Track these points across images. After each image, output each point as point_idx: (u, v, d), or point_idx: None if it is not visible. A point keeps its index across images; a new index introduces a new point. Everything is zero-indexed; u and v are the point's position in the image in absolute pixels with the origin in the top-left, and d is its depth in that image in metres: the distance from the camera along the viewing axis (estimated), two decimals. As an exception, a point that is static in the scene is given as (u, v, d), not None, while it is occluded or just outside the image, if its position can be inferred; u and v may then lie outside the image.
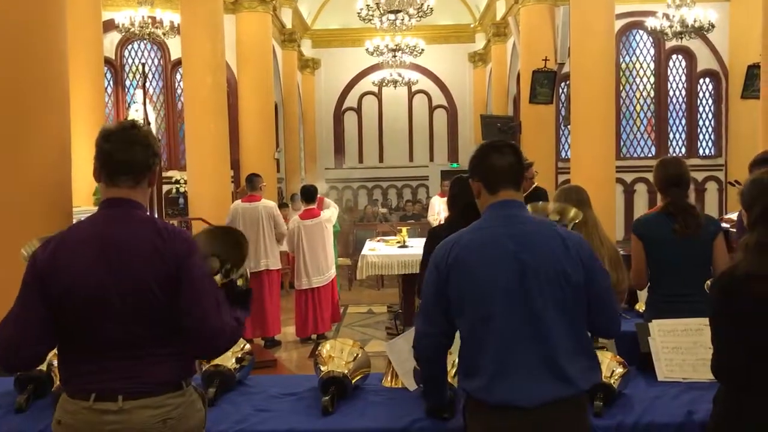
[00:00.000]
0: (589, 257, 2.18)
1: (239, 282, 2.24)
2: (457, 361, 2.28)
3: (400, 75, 16.86)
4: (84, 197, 8.78)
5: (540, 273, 2.10)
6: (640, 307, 4.00)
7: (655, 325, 2.92)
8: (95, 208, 7.85)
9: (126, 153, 2.08)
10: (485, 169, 2.27)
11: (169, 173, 12.25)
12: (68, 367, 2.07)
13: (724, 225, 4.03)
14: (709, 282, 2.66)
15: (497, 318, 2.09)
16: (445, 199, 10.69)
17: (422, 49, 15.67)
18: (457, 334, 2.21)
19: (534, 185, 5.88)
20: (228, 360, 2.76)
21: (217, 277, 2.18)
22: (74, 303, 1.99)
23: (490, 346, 2.09)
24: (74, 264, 2.00)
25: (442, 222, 5.24)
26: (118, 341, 2.00)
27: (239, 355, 2.81)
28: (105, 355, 2.01)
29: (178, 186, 12.36)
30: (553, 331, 2.08)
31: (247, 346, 2.91)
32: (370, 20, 12.65)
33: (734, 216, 5.61)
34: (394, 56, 15.52)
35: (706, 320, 2.83)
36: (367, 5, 12.16)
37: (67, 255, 2.02)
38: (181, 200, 12.04)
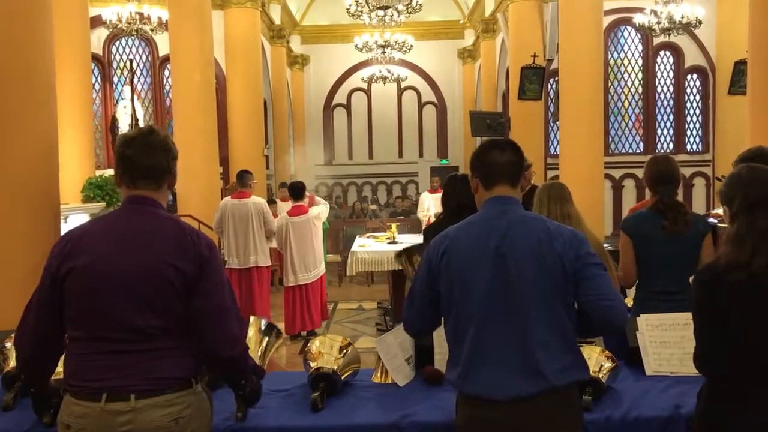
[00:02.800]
0: (583, 251, 2.15)
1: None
2: None
3: (389, 71, 16.85)
4: (72, 195, 8.73)
5: (521, 268, 2.11)
6: (628, 303, 4.02)
7: (643, 320, 2.93)
8: (84, 206, 7.79)
9: (147, 158, 2.14)
10: (484, 165, 2.29)
11: (158, 170, 12.17)
12: (77, 359, 2.05)
13: (711, 220, 4.04)
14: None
15: (476, 312, 2.11)
16: (435, 195, 10.76)
17: (411, 46, 15.66)
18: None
19: (530, 185, 5.88)
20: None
21: None
22: (92, 283, 2.02)
23: (467, 338, 2.12)
24: (96, 247, 2.05)
25: (432, 218, 5.24)
26: (131, 329, 2.01)
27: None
28: (116, 345, 2.01)
29: (166, 183, 12.30)
30: (531, 326, 2.09)
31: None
32: (359, 16, 12.64)
33: (721, 211, 5.64)
34: (383, 52, 15.51)
35: (693, 315, 2.86)
36: (356, 1, 12.14)
37: (91, 240, 2.08)
38: (170, 197, 11.97)
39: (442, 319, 2.26)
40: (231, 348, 2.08)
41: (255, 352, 2.61)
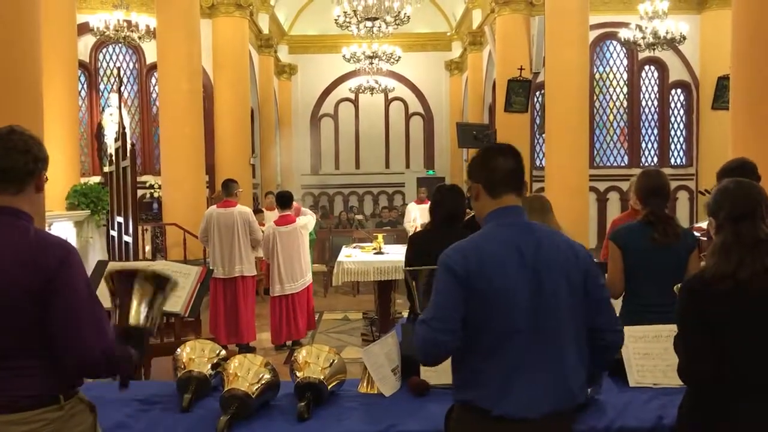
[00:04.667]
0: (594, 267, 2.19)
1: (131, 321, 2.15)
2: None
3: (376, 82, 16.92)
4: (57, 202, 8.69)
5: (554, 284, 2.08)
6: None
7: (627, 332, 2.94)
8: (68, 213, 7.77)
9: (4, 160, 2.02)
10: (488, 171, 2.21)
11: (144, 178, 12.14)
12: None
13: (694, 233, 4.09)
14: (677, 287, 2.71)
15: (512, 328, 2.05)
16: (421, 206, 10.77)
17: (399, 57, 15.74)
18: None
19: None
20: (203, 366, 2.75)
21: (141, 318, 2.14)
22: None
23: (500, 356, 2.06)
24: None
25: (419, 228, 5.26)
26: None
27: (215, 361, 2.80)
28: None
29: (152, 191, 12.26)
30: (563, 344, 2.08)
31: (223, 352, 2.90)
32: (347, 27, 12.68)
33: (705, 225, 5.70)
34: (371, 63, 15.58)
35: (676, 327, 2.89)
36: (345, 12, 12.19)
37: None
38: (155, 205, 11.93)
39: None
40: (87, 358, 1.97)
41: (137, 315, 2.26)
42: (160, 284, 2.21)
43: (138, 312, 2.15)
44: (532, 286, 2.06)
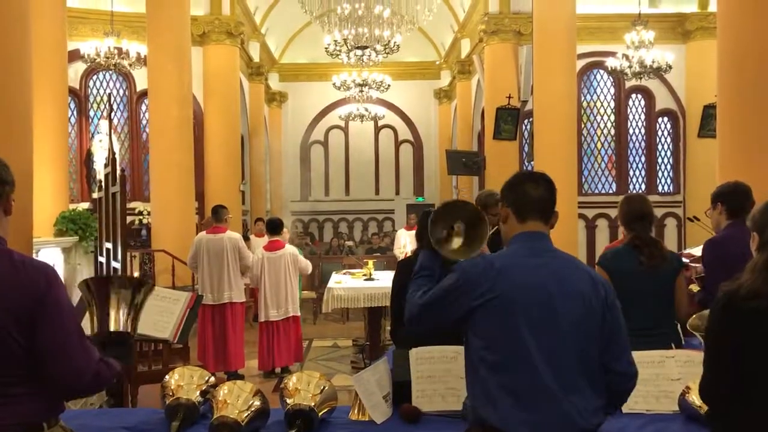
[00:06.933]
0: (613, 296, 2.20)
1: (112, 326, 2.14)
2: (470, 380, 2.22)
3: (366, 110, 17.02)
4: (45, 228, 8.62)
5: (571, 307, 2.10)
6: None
7: (618, 358, 2.95)
8: (56, 239, 7.71)
9: None
10: (518, 196, 2.26)
11: (133, 204, 12.09)
12: None
13: (683, 260, 4.12)
14: (689, 320, 2.70)
15: (531, 349, 2.06)
16: (411, 232, 10.78)
17: (389, 85, 15.87)
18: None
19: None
20: (192, 393, 2.72)
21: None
22: None
23: (514, 376, 2.07)
24: None
25: (409, 254, 5.26)
26: None
27: (204, 389, 2.76)
28: None
29: (141, 217, 12.20)
30: (572, 371, 2.08)
31: (212, 379, 2.87)
32: (338, 55, 12.80)
33: (694, 251, 5.73)
34: (361, 91, 15.69)
35: (668, 352, 2.89)
36: (335, 41, 12.30)
37: None
38: (144, 232, 11.87)
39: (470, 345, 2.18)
40: (77, 379, 1.97)
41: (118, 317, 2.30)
42: (137, 286, 2.20)
43: (118, 317, 2.12)
44: (544, 307, 2.08)
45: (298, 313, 7.80)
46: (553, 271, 2.15)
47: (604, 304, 2.16)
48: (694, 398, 2.49)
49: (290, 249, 7.77)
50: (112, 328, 2.12)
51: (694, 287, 4.32)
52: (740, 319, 1.98)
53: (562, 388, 2.06)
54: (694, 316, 3.40)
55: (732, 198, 3.88)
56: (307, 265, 7.99)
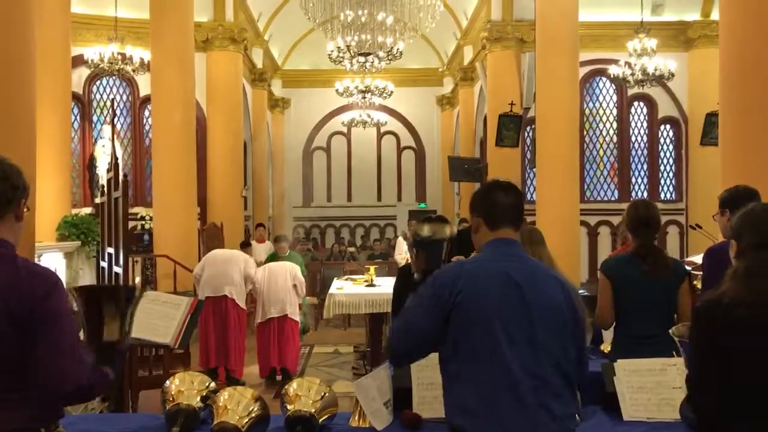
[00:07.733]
0: (579, 304, 2.24)
1: (105, 337, 2.13)
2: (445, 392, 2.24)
3: (369, 116, 17.06)
4: (47, 233, 8.64)
5: (543, 311, 2.12)
6: (605, 347, 4.03)
7: (620, 365, 2.95)
8: (58, 244, 7.72)
9: None
10: (488, 205, 2.30)
11: (135, 209, 12.09)
12: None
13: (686, 268, 4.10)
14: (672, 328, 2.69)
15: (502, 352, 2.07)
16: (413, 238, 10.78)
17: (391, 91, 15.90)
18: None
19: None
20: (192, 398, 2.71)
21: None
22: None
23: (489, 383, 2.08)
24: None
25: (410, 261, 5.26)
26: None
27: (204, 394, 2.76)
28: None
29: (143, 222, 12.20)
30: (549, 373, 2.10)
31: (212, 384, 2.86)
32: (341, 62, 12.83)
33: (695, 259, 5.71)
34: (364, 97, 15.72)
35: (669, 360, 2.88)
36: (338, 47, 12.33)
37: None
38: (146, 237, 11.87)
39: (445, 353, 2.19)
40: (66, 388, 1.95)
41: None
42: (129, 294, 2.19)
43: (111, 326, 2.12)
44: (517, 311, 2.10)
45: (297, 319, 7.81)
46: (524, 272, 2.18)
47: (572, 306, 2.19)
48: (696, 407, 2.47)
49: (291, 264, 7.87)
50: (105, 338, 2.12)
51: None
52: (724, 328, 1.94)
53: (536, 392, 2.06)
54: (679, 324, 3.38)
55: (737, 205, 3.84)
56: (302, 284, 7.96)
